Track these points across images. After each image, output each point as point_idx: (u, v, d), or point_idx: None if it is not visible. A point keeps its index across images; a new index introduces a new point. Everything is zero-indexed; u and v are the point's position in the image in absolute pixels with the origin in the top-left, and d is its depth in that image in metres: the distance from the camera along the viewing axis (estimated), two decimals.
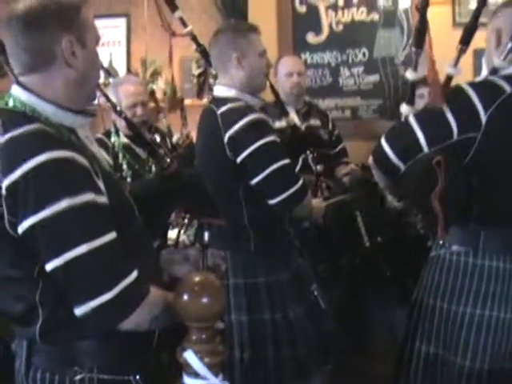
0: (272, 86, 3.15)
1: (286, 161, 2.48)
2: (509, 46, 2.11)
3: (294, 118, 3.48)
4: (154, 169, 3.26)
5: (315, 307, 2.68)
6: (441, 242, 2.20)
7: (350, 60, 4.34)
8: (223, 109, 2.50)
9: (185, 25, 3.14)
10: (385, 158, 2.17)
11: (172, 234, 3.57)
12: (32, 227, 1.40)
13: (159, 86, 5.64)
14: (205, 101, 4.28)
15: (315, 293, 2.69)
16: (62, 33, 1.54)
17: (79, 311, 1.41)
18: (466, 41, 2.31)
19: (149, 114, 3.43)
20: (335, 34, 4.34)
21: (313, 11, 4.34)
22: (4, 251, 1.50)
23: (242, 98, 2.55)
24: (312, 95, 4.12)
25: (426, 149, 2.07)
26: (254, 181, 2.46)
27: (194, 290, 1.40)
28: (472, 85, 2.09)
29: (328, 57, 4.35)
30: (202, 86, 5.53)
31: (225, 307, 1.48)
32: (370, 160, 2.28)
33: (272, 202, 2.47)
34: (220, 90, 2.62)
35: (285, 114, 3.25)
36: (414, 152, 2.09)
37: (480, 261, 2.08)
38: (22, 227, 1.41)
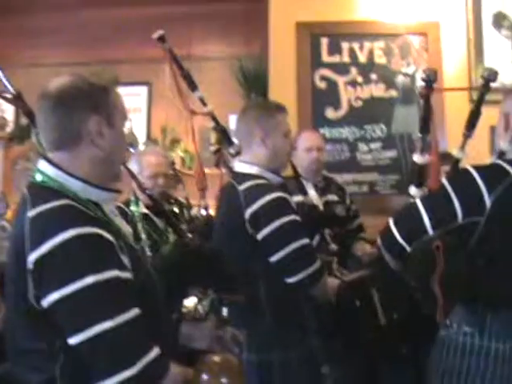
0: (293, 166, 3.19)
1: (306, 240, 2.50)
2: None
3: (312, 196, 3.51)
4: (171, 239, 3.29)
5: None
6: (448, 322, 2.18)
7: (368, 135, 4.38)
8: (245, 185, 2.53)
9: (204, 104, 3.19)
10: (392, 239, 2.21)
11: (187, 302, 3.57)
12: (57, 301, 1.42)
13: (178, 154, 5.72)
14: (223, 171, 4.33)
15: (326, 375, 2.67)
16: (91, 113, 1.60)
17: None
18: (470, 126, 2.36)
19: (168, 183, 3.48)
20: (354, 110, 4.40)
21: (332, 87, 4.41)
22: (27, 324, 1.53)
23: (264, 176, 2.58)
24: (330, 170, 4.14)
25: (430, 231, 2.10)
26: (274, 258, 2.47)
27: (214, 371, 1.41)
28: (477, 168, 2.11)
29: (346, 132, 4.39)
30: (220, 158, 5.63)
31: None
32: (378, 241, 2.32)
33: (290, 280, 2.48)
34: (242, 167, 2.66)
35: (303, 192, 3.28)
36: (419, 234, 2.12)
37: (486, 342, 2.06)
38: (48, 301, 1.43)
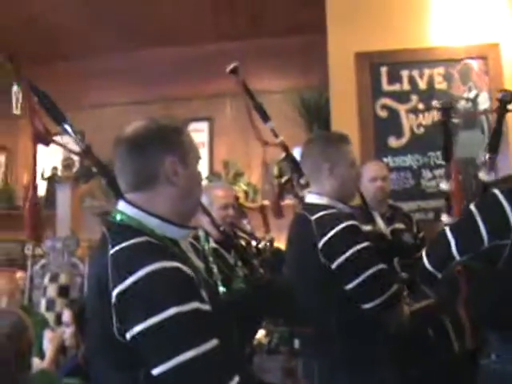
0: (362, 195, 3.21)
1: (382, 265, 2.52)
2: None
3: (380, 225, 3.51)
4: (241, 273, 3.33)
5: None
6: (485, 351, 2.18)
7: (432, 162, 4.36)
8: (317, 215, 2.56)
9: (275, 134, 3.23)
10: (424, 271, 2.26)
11: (258, 335, 3.60)
12: (141, 333, 1.47)
13: (241, 188, 5.78)
14: (286, 202, 4.36)
15: None
16: (165, 154, 1.67)
17: None
18: (493, 149, 2.35)
19: (236, 215, 3.53)
20: (416, 137, 4.39)
21: (393, 115, 4.42)
22: (111, 356, 1.58)
23: (335, 206, 2.62)
24: (395, 198, 4.13)
25: (457, 257, 2.14)
26: (350, 286, 2.48)
27: None
28: (504, 191, 2.12)
29: (410, 160, 4.39)
30: (283, 189, 5.66)
31: None
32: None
33: (367, 306, 2.49)
34: (312, 198, 2.70)
35: (372, 221, 3.28)
36: (448, 261, 2.17)
37: None
38: (131, 333, 1.48)
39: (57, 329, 3.74)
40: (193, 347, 1.45)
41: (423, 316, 2.98)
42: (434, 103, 2.42)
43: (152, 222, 1.65)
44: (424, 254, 2.28)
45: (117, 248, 1.56)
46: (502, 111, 2.40)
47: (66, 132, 2.60)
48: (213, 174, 6.11)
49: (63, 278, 4.74)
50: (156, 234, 1.63)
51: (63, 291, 4.69)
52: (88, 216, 5.91)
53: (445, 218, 2.39)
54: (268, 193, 5.52)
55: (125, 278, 1.49)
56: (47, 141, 2.65)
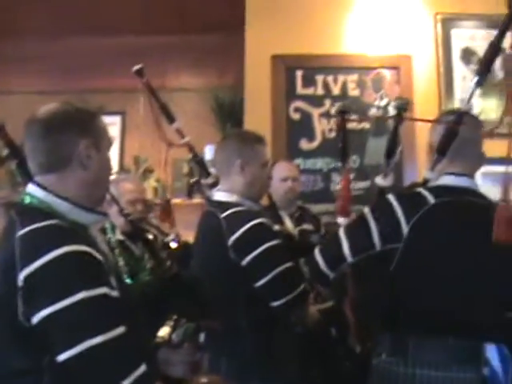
0: (270, 197, 3.25)
1: (290, 264, 2.54)
2: (435, 157, 2.28)
3: (288, 226, 3.55)
4: (148, 266, 3.30)
5: None
6: (377, 351, 2.24)
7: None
8: (226, 213, 2.56)
9: (182, 135, 3.22)
10: (316, 267, 2.29)
11: (161, 332, 3.55)
12: (48, 317, 1.44)
13: (151, 184, 5.73)
14: (195, 201, 4.36)
15: None
16: (80, 137, 1.67)
17: None
18: (389, 154, 2.48)
19: (145, 210, 3.49)
20: (327, 141, 4.46)
21: (306, 119, 4.48)
22: (13, 342, 1.53)
23: (244, 204, 2.62)
24: (304, 200, 4.19)
25: (349, 258, 2.20)
26: (259, 283, 2.49)
27: None
28: (398, 196, 2.21)
29: (320, 163, 4.46)
30: (193, 187, 5.66)
31: None
32: (304, 269, 2.40)
33: (276, 303, 2.50)
34: (221, 196, 2.70)
35: (280, 222, 3.32)
36: (340, 261, 2.22)
37: (410, 369, 2.09)
38: (38, 317, 1.45)
39: None
40: (100, 333, 1.44)
41: (327, 315, 3.03)
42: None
43: (62, 206, 1.64)
44: (317, 253, 2.31)
45: (25, 230, 1.53)
46: (397, 118, 2.49)
47: None
48: (123, 169, 6.02)
49: None
50: (66, 218, 1.61)
51: None
52: None
53: (340, 219, 2.46)
54: (178, 190, 5.51)
55: (33, 261, 1.46)
56: None
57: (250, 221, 2.51)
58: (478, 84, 2.35)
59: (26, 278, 1.46)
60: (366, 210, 2.24)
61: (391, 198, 2.19)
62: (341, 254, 2.20)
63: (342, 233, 2.25)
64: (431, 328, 2.09)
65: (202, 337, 2.29)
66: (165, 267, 2.42)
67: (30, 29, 5.05)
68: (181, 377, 1.90)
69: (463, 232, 2.15)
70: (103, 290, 1.49)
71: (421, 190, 2.22)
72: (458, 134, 2.24)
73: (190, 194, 5.65)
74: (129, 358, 1.50)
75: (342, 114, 2.53)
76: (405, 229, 2.09)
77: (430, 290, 2.11)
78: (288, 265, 2.53)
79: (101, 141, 1.73)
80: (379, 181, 2.46)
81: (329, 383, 3.17)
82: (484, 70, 2.34)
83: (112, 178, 3.54)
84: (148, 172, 5.90)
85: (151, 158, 5.88)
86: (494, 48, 2.28)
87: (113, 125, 6.36)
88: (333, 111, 2.50)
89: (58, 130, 1.66)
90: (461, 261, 2.12)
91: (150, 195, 5.58)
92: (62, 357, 1.44)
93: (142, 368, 1.49)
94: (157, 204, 5.16)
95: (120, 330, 1.48)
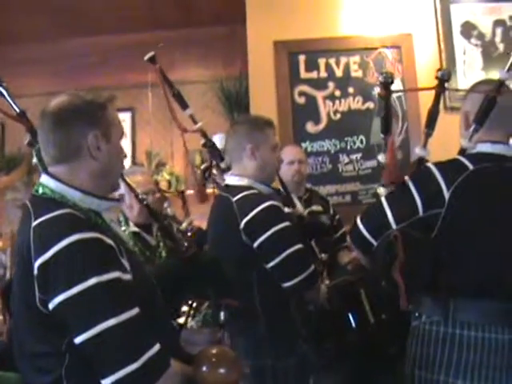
0: (281, 179, 3.26)
1: (300, 245, 2.60)
2: (472, 127, 2.29)
3: (299, 207, 3.59)
4: (163, 255, 3.37)
5: None
6: (416, 314, 2.28)
7: (349, 147, 4.50)
8: (238, 196, 2.63)
9: (195, 121, 3.27)
10: (360, 236, 2.33)
11: (180, 320, 3.64)
12: (63, 303, 1.50)
13: (164, 177, 5.78)
14: (208, 191, 4.39)
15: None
16: (88, 128, 1.70)
17: (107, 381, 1.50)
18: (429, 125, 2.50)
19: (157, 202, 3.55)
20: (333, 123, 4.52)
21: (311, 102, 4.53)
22: (33, 327, 1.61)
23: (255, 187, 2.69)
24: (313, 182, 4.25)
25: (394, 226, 2.22)
26: (270, 264, 2.56)
27: (212, 362, 1.49)
28: (437, 164, 2.24)
29: (327, 145, 4.51)
30: (206, 177, 5.70)
31: (240, 377, 1.56)
32: (348, 239, 2.44)
33: (286, 284, 2.57)
34: (233, 180, 2.77)
35: (292, 205, 3.35)
36: (384, 229, 2.23)
37: (451, 329, 2.14)
38: (53, 303, 1.52)
39: None
40: (113, 316, 1.50)
41: (340, 291, 3.08)
42: (378, 78, 2.51)
43: (74, 195, 1.69)
44: (359, 221, 2.34)
45: (39, 220, 1.60)
46: (439, 89, 2.51)
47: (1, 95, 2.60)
48: (136, 165, 6.08)
49: None
50: (79, 206, 1.67)
51: None
52: (10, 209, 5.79)
53: (381, 190, 2.48)
54: (191, 182, 5.55)
55: (46, 250, 1.53)
56: None
57: (260, 203, 2.57)
58: None
59: (40, 267, 1.53)
60: (408, 178, 2.27)
61: (431, 165, 2.23)
62: (385, 221, 2.23)
63: (384, 201, 2.28)
64: (472, 290, 2.12)
65: (222, 316, 2.36)
66: (182, 248, 2.47)
67: (34, 31, 5.13)
68: None
69: (502, 197, 2.19)
70: (115, 274, 1.55)
71: (459, 157, 2.26)
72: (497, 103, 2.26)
73: (203, 184, 5.69)
74: (142, 339, 1.55)
75: (386, 84, 2.53)
76: (446, 194, 2.13)
77: (470, 254, 2.14)
78: (298, 246, 2.59)
79: (111, 131, 1.76)
80: (418, 151, 2.49)
81: (343, 358, 3.21)
82: None
83: (124, 172, 3.64)
84: (160, 166, 5.96)
85: (163, 152, 5.94)
86: None
87: (123, 121, 6.40)
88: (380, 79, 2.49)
89: (67, 123, 1.70)
90: (501, 224, 2.16)
91: (164, 188, 5.66)
92: (78, 340, 1.51)
93: (156, 348, 1.55)
94: (170, 193, 5.25)
95: (133, 311, 1.54)
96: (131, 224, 3.40)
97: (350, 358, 3.27)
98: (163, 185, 5.71)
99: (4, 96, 2.58)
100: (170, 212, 3.72)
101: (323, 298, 2.89)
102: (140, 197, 2.77)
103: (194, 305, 3.39)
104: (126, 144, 6.38)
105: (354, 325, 3.07)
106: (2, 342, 2.92)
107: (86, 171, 1.72)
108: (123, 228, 3.40)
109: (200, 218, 3.57)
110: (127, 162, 6.19)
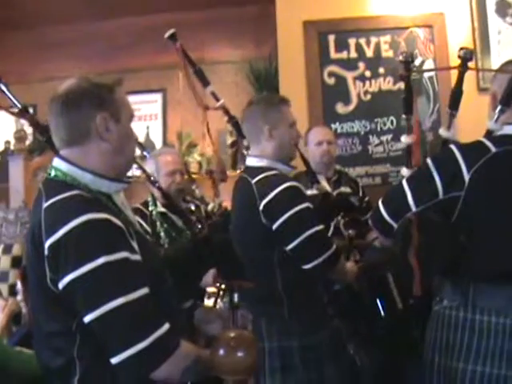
0: (302, 156, 3.23)
1: (320, 227, 2.57)
2: (498, 108, 2.24)
3: (325, 185, 3.57)
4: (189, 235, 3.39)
5: (352, 366, 2.73)
6: (437, 298, 2.26)
7: (379, 128, 4.47)
8: (258, 178, 2.61)
9: (217, 98, 3.26)
10: (380, 218, 2.29)
11: (209, 302, 3.67)
12: (72, 282, 1.52)
13: (195, 158, 5.81)
14: (239, 172, 4.40)
15: (351, 351, 2.73)
16: (96, 110, 1.71)
17: (116, 359, 1.51)
18: (453, 105, 2.45)
19: (185, 183, 3.58)
20: (363, 104, 4.49)
21: (341, 82, 4.50)
22: (46, 307, 1.64)
23: (275, 167, 2.66)
24: (343, 164, 4.22)
25: (413, 208, 2.18)
26: (289, 247, 2.54)
27: (230, 345, 1.49)
28: (459, 146, 2.19)
29: (357, 126, 4.48)
30: (235, 157, 5.71)
31: (257, 361, 1.56)
32: (370, 221, 2.41)
33: (307, 266, 2.55)
34: (252, 161, 2.74)
35: (316, 181, 3.33)
36: (404, 212, 2.19)
37: (470, 315, 2.11)
38: (63, 283, 1.54)
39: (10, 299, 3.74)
40: (122, 295, 1.51)
41: (369, 272, 3.06)
42: (398, 57, 2.47)
43: (85, 177, 1.70)
44: (380, 203, 2.31)
45: (50, 202, 1.62)
46: (462, 68, 2.47)
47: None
48: (166, 146, 6.12)
49: (16, 249, 4.71)
50: (89, 188, 1.68)
51: (16, 262, 4.67)
52: None
53: (404, 171, 2.45)
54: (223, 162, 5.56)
55: (56, 230, 1.54)
56: None
57: (280, 185, 2.55)
58: None
59: (50, 247, 1.55)
60: (429, 159, 2.23)
61: (453, 147, 2.18)
62: (405, 203, 2.19)
63: (405, 183, 2.24)
64: (492, 275, 2.09)
65: (235, 297, 2.37)
66: (195, 229, 2.48)
67: (65, 14, 5.15)
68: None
69: None
70: (123, 254, 1.56)
71: (483, 139, 2.20)
72: None
73: (234, 166, 5.72)
74: (150, 318, 1.56)
75: (407, 63, 2.50)
76: (466, 176, 2.08)
77: (490, 238, 2.11)
78: (318, 228, 2.56)
79: (119, 112, 1.76)
80: (442, 132, 2.46)
81: (369, 341, 3.21)
82: None
83: (153, 152, 3.66)
84: (191, 147, 5.98)
85: (194, 133, 5.96)
86: None
87: (154, 102, 6.45)
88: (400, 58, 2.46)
89: (75, 106, 1.70)
90: None
91: (194, 169, 5.68)
92: (86, 319, 1.52)
93: (165, 327, 1.56)
94: (199, 174, 5.27)
95: (142, 291, 1.55)
96: (159, 204, 3.42)
97: (380, 343, 3.26)
98: (193, 166, 5.74)
99: (4, 92, 2.59)
100: (198, 193, 3.75)
101: (351, 278, 2.87)
102: (153, 179, 2.79)
103: (223, 286, 3.44)
104: (157, 125, 6.43)
105: (382, 313, 3.05)
106: (25, 324, 2.98)
107: (97, 153, 1.73)
108: (151, 208, 3.43)
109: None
110: (158, 143, 6.24)
